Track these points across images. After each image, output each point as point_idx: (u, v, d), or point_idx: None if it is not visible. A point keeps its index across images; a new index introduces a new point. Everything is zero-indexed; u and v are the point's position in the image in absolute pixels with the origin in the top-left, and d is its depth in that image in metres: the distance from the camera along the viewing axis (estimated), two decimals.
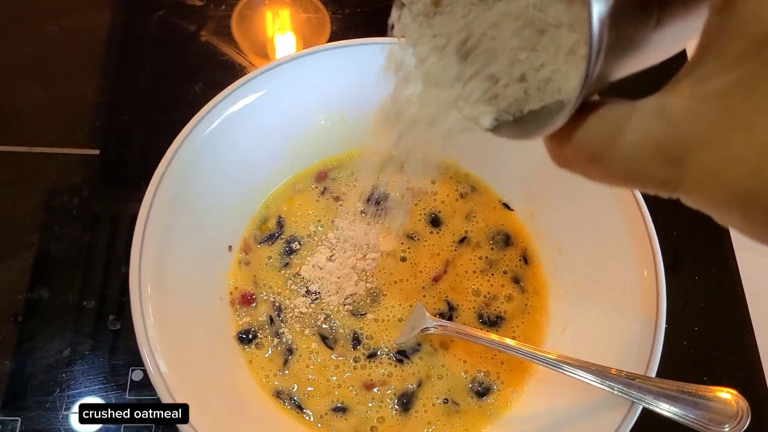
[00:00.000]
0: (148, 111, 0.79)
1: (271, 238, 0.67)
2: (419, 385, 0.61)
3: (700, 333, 0.70)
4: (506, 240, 0.69)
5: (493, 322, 0.65)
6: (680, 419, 0.50)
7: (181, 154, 0.60)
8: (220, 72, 0.82)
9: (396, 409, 0.60)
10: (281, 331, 0.62)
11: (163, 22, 0.86)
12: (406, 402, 0.60)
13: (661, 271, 0.58)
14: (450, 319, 0.64)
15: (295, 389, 0.60)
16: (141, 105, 0.79)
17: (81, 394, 0.62)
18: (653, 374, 0.54)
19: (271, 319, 0.63)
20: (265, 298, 0.64)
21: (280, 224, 0.68)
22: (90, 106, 0.78)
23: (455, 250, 0.68)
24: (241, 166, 0.66)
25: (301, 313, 0.62)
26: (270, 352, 0.61)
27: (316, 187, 0.71)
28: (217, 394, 0.56)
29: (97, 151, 0.75)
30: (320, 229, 0.68)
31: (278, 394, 0.59)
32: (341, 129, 0.71)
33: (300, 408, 0.59)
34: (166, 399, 0.50)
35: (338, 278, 0.63)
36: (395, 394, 0.60)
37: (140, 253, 0.55)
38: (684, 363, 0.68)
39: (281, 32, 0.88)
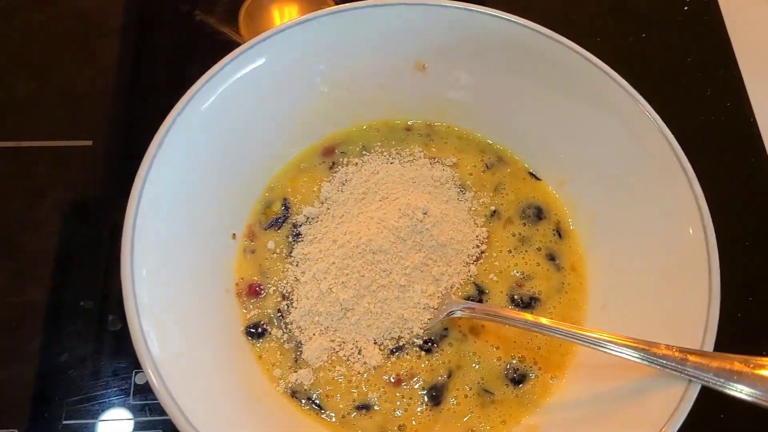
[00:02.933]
0: (142, 97, 0.74)
1: (277, 223, 0.62)
2: (449, 375, 0.55)
3: (757, 304, 0.64)
4: (538, 213, 0.63)
5: (526, 304, 0.59)
6: (752, 399, 0.43)
7: (174, 134, 0.54)
8: (219, 52, 0.75)
9: (426, 404, 0.54)
10: (291, 324, 0.57)
11: (153, 4, 0.81)
12: (436, 395, 0.54)
13: (709, 225, 0.52)
14: (480, 302, 0.58)
15: (312, 388, 0.54)
16: (134, 91, 0.74)
17: (82, 401, 0.57)
18: (710, 349, 0.48)
19: (280, 312, 0.57)
20: (273, 288, 0.59)
21: (286, 207, 0.63)
22: (80, 95, 0.73)
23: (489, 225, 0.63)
24: (240, 146, 0.61)
25: (313, 304, 0.57)
26: (281, 347, 0.56)
27: (323, 162, 0.66)
28: (227, 394, 0.50)
29: (89, 143, 0.70)
30: (328, 208, 0.62)
31: (294, 394, 0.54)
32: (346, 101, 0.65)
33: (320, 407, 0.54)
34: (167, 404, 0.44)
35: (352, 261, 0.57)
36: (424, 387, 0.55)
37: (131, 245, 0.49)
38: (739, 338, 0.62)
39: None
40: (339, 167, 0.65)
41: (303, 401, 0.54)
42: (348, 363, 0.55)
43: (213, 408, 0.47)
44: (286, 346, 0.56)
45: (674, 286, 0.53)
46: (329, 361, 0.55)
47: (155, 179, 0.52)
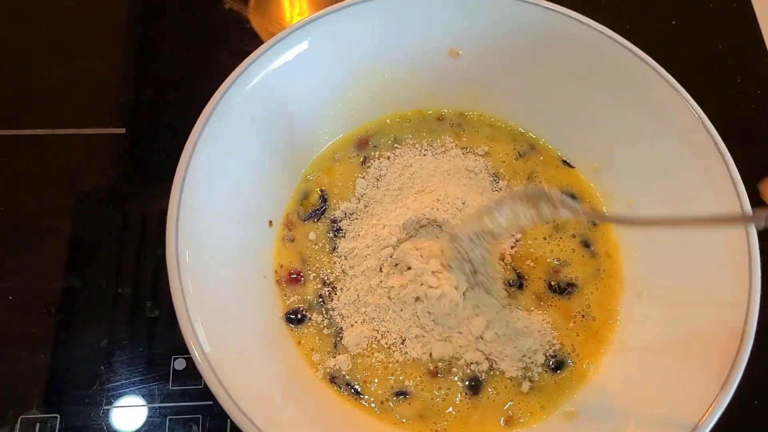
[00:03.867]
0: (174, 84, 0.74)
1: (316, 214, 0.62)
2: (489, 367, 0.55)
3: None
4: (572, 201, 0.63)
5: (563, 289, 0.59)
6: None
7: (218, 115, 0.54)
8: (247, 39, 0.77)
9: (465, 393, 0.54)
10: (333, 311, 0.57)
11: None
12: (474, 385, 0.54)
13: (748, 212, 0.52)
14: (520, 287, 0.59)
15: (349, 373, 0.55)
16: (165, 78, 0.75)
17: (121, 386, 0.58)
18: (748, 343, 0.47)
19: (322, 297, 0.58)
20: (314, 276, 0.59)
21: (324, 198, 0.63)
22: (112, 82, 0.73)
23: None
24: (279, 132, 0.61)
25: (363, 294, 0.57)
26: (320, 333, 0.56)
27: (357, 155, 0.65)
28: (267, 378, 0.51)
29: (123, 130, 0.70)
30: (365, 206, 0.62)
31: (333, 379, 0.54)
32: (381, 88, 0.65)
33: (358, 393, 0.54)
34: (213, 385, 0.45)
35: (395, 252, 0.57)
36: (463, 379, 0.55)
37: (176, 227, 0.49)
38: None
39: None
40: (371, 161, 0.65)
41: (342, 387, 0.54)
42: (388, 351, 0.55)
43: (255, 390, 0.48)
44: (325, 331, 0.56)
45: (713, 273, 0.53)
46: (368, 348, 0.55)
47: (198, 161, 0.52)
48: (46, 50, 0.75)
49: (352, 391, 0.54)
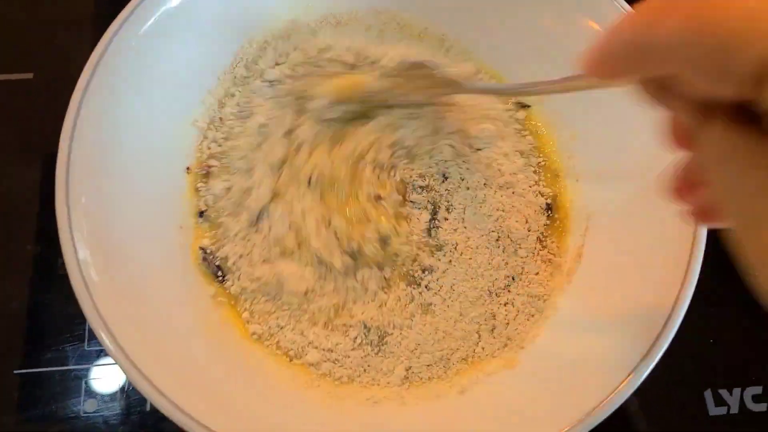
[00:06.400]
0: (85, 22, 0.67)
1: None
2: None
3: None
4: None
5: None
6: None
7: (109, 60, 0.49)
8: None
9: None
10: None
11: None
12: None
13: None
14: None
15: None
16: (76, 17, 0.68)
17: (34, 349, 0.54)
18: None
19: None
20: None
21: None
22: (17, 23, 0.67)
23: None
24: (190, 72, 0.55)
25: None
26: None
27: None
28: (175, 332, 0.47)
29: (30, 75, 0.64)
30: None
31: (204, 257, 0.52)
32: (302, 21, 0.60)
33: (222, 276, 0.52)
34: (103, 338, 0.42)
35: None
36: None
37: (66, 193, 0.45)
38: None
39: None
40: None
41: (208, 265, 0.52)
42: None
43: (156, 347, 0.44)
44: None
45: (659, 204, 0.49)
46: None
47: (91, 106, 0.48)
48: None
49: (214, 271, 0.52)
